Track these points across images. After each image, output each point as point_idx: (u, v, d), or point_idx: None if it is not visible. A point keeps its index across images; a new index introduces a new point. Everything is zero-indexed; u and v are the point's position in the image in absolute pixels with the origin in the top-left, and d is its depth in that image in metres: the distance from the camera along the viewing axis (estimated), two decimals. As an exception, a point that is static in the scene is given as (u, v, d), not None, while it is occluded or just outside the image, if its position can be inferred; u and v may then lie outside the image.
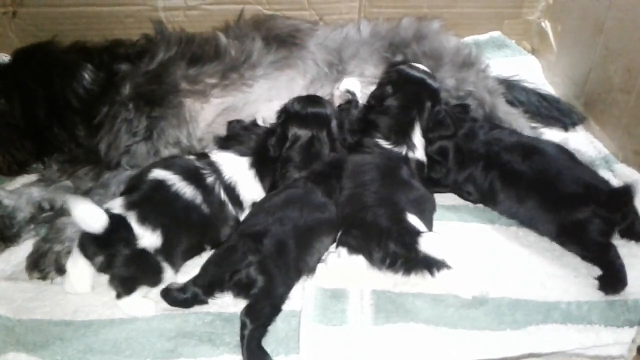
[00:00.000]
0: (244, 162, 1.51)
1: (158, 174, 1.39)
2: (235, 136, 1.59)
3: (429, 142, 1.61)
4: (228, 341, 1.25)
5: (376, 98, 1.63)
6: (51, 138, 1.71)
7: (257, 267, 1.25)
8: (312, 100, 1.61)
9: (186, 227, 1.36)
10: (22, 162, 1.74)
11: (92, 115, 1.67)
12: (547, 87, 2.14)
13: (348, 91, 1.73)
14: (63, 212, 1.53)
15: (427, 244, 1.26)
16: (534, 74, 2.22)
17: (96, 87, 1.70)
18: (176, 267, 1.35)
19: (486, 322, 1.26)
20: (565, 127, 1.93)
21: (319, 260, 1.39)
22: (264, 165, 1.53)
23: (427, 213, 1.43)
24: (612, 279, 1.33)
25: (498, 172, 1.53)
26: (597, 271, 1.37)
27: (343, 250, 1.32)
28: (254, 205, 1.50)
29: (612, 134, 1.82)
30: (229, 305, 1.33)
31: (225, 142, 1.58)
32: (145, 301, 1.31)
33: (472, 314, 1.28)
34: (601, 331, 1.24)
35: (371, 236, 1.31)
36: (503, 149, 1.55)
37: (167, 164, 1.44)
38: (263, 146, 1.54)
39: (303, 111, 1.55)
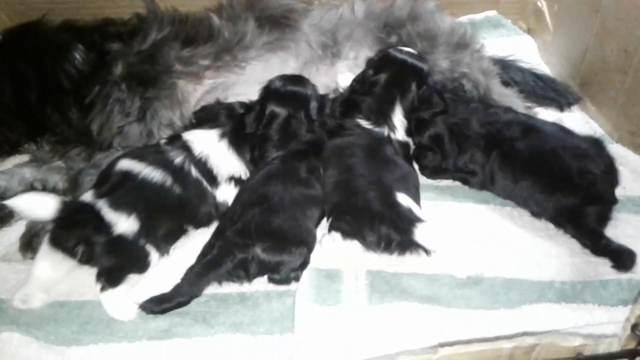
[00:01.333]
0: (213, 134, 1.49)
1: (124, 164, 1.38)
2: (212, 115, 1.57)
3: (420, 129, 1.60)
4: (223, 321, 1.25)
5: (359, 81, 1.62)
6: (43, 119, 1.69)
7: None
8: (293, 79, 1.60)
9: (162, 210, 1.36)
10: (14, 142, 1.72)
11: (84, 96, 1.65)
12: (542, 67, 2.13)
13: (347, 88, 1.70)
14: (56, 192, 1.53)
15: (422, 235, 1.26)
16: (530, 53, 2.20)
17: (88, 67, 1.67)
18: (161, 250, 1.35)
19: (481, 301, 1.26)
20: (561, 107, 1.93)
21: (314, 228, 1.39)
22: (239, 138, 1.51)
23: (412, 189, 1.42)
24: (618, 259, 1.33)
25: (498, 151, 1.52)
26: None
27: (337, 235, 1.31)
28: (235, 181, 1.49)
29: (608, 114, 1.82)
30: (223, 285, 1.32)
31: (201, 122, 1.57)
32: (128, 303, 1.27)
33: (467, 293, 1.28)
34: (595, 310, 1.25)
35: (364, 221, 1.30)
36: (503, 127, 1.54)
37: (133, 154, 1.43)
38: (239, 120, 1.52)
39: (282, 89, 1.55)
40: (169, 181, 1.37)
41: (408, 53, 1.63)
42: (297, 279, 1.31)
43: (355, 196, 1.34)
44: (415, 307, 1.24)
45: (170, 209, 1.37)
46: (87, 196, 1.33)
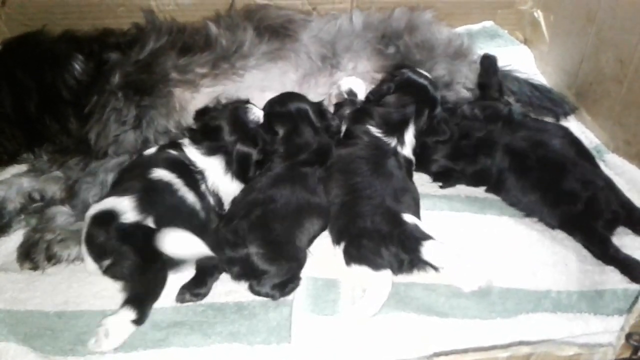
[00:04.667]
0: (219, 167, 1.48)
1: (161, 174, 1.38)
2: (214, 131, 1.52)
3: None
4: (220, 330, 1.25)
5: (375, 94, 1.64)
6: (42, 129, 1.69)
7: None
8: (289, 96, 1.62)
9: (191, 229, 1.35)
10: (13, 152, 1.72)
11: (83, 106, 1.65)
12: (539, 77, 2.14)
13: (350, 91, 1.70)
14: (53, 201, 1.53)
15: (430, 253, 1.26)
16: (527, 64, 2.21)
17: (86, 77, 1.68)
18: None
19: (477, 310, 1.27)
20: (557, 117, 1.93)
21: (311, 241, 1.40)
22: (243, 170, 1.51)
23: (413, 204, 1.43)
24: (627, 270, 1.34)
25: (511, 163, 1.56)
26: (589, 260, 1.39)
27: (365, 269, 1.29)
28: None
29: (604, 124, 1.82)
30: (220, 295, 1.33)
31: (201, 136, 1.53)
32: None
33: (463, 303, 1.28)
34: (591, 319, 1.25)
35: (374, 245, 1.30)
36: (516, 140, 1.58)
37: (165, 162, 1.42)
38: (242, 155, 1.51)
39: (282, 109, 1.56)
40: (198, 205, 1.40)
41: (428, 79, 1.66)
42: (274, 297, 1.31)
43: (362, 220, 1.34)
44: (412, 317, 1.24)
45: (195, 230, 1.34)
46: (128, 207, 1.30)
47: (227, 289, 1.34)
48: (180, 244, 1.25)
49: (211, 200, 1.45)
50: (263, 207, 1.34)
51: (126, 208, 1.30)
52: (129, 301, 1.23)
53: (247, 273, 1.31)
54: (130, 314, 1.22)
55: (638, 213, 1.45)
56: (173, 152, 1.47)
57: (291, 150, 1.51)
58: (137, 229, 1.28)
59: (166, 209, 1.34)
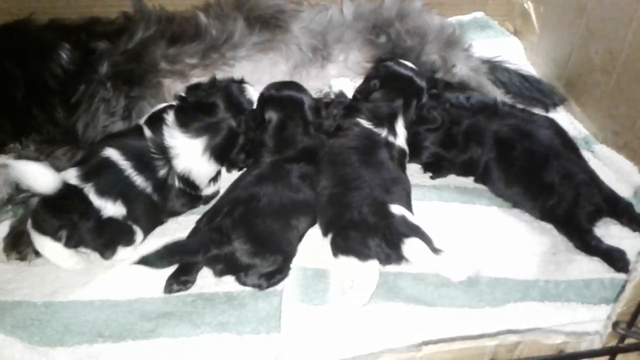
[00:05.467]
0: (198, 146, 1.46)
1: (111, 153, 1.39)
2: (209, 107, 1.50)
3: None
4: (209, 321, 1.25)
5: (362, 92, 1.63)
6: (29, 119, 1.68)
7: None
8: (288, 84, 1.61)
9: (141, 207, 1.40)
10: (-1, 142, 1.71)
11: (70, 96, 1.64)
12: (529, 68, 2.15)
13: (341, 93, 1.70)
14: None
15: (410, 251, 1.25)
16: (517, 55, 2.22)
17: (73, 66, 1.67)
18: (145, 231, 1.42)
19: (465, 300, 1.27)
20: (547, 108, 1.94)
21: (301, 237, 1.40)
22: (224, 151, 1.50)
23: (404, 195, 1.43)
24: (611, 261, 1.34)
25: (497, 153, 1.57)
26: (576, 250, 1.40)
27: (353, 260, 1.28)
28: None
29: (593, 115, 1.83)
30: (210, 285, 1.33)
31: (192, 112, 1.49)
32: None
33: (452, 293, 1.29)
34: (578, 308, 1.26)
35: (361, 236, 1.29)
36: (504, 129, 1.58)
37: (119, 144, 1.42)
38: (229, 132, 1.49)
39: (277, 94, 1.55)
40: (149, 189, 1.41)
41: (412, 70, 1.65)
42: (261, 286, 1.32)
43: (350, 211, 1.34)
44: (400, 306, 1.25)
45: (148, 209, 1.42)
46: (71, 177, 1.33)
47: (216, 279, 1.34)
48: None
49: (176, 184, 1.45)
50: (245, 206, 1.34)
51: (70, 176, 1.33)
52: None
53: (231, 269, 1.31)
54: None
55: (623, 204, 1.46)
56: (133, 141, 1.45)
57: (280, 144, 1.50)
58: (72, 190, 1.31)
59: (107, 182, 1.35)
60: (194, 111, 1.48)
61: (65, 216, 1.29)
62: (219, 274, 1.32)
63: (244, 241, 1.28)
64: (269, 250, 1.31)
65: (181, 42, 1.71)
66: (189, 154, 1.45)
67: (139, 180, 1.39)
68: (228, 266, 1.30)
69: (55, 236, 1.29)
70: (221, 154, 1.50)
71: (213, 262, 1.30)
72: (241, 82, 1.59)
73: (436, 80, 1.78)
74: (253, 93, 1.56)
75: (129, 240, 1.38)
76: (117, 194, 1.35)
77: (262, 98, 1.56)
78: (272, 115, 1.53)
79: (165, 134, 1.45)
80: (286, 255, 1.35)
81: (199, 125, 1.46)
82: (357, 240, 1.29)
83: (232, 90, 1.54)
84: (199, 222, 1.40)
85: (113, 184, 1.36)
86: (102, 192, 1.33)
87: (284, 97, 1.55)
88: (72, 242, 1.31)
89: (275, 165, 1.46)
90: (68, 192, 1.29)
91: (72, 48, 1.68)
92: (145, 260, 1.24)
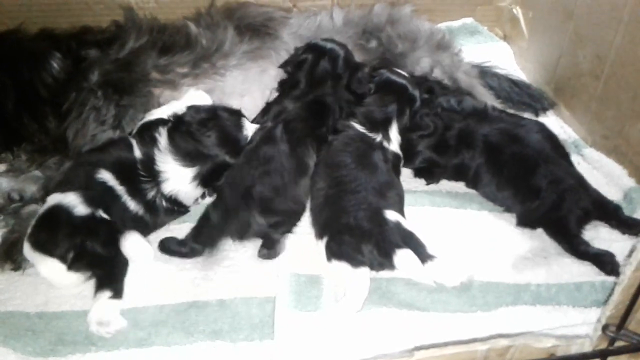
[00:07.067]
0: (188, 175, 1.47)
1: (106, 177, 1.41)
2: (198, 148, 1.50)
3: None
4: (202, 329, 1.25)
5: (356, 95, 1.66)
6: (20, 128, 1.68)
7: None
8: (331, 40, 1.75)
9: (134, 228, 1.42)
10: (-10, 152, 1.70)
11: (61, 104, 1.64)
12: (518, 73, 2.16)
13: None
14: (32, 201, 1.52)
15: (401, 263, 1.26)
16: (506, 60, 2.24)
17: (64, 75, 1.67)
18: None
19: (458, 304, 1.28)
20: (536, 113, 1.95)
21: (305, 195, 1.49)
22: (212, 178, 1.51)
23: (397, 199, 1.44)
24: (600, 265, 1.35)
25: (487, 157, 1.58)
26: (567, 254, 1.40)
27: (345, 266, 1.29)
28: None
29: (582, 119, 1.85)
30: (202, 293, 1.33)
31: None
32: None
33: (445, 297, 1.29)
34: (569, 312, 1.27)
35: (355, 242, 1.30)
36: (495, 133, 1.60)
37: (112, 166, 1.43)
38: (217, 164, 1.50)
39: (322, 43, 1.71)
40: (141, 212, 1.44)
41: (406, 77, 1.67)
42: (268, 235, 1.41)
43: (346, 215, 1.34)
44: (393, 312, 1.25)
45: (142, 230, 1.44)
46: (77, 201, 1.34)
47: (208, 286, 1.34)
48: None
49: (164, 204, 1.47)
50: (262, 167, 1.43)
51: (74, 202, 1.33)
52: (101, 284, 1.29)
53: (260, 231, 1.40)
54: (106, 293, 1.27)
55: (611, 208, 1.47)
56: (124, 160, 1.46)
57: (310, 82, 1.64)
58: (96, 220, 1.34)
59: (110, 206, 1.39)
60: (188, 137, 1.48)
61: (76, 239, 1.31)
62: (253, 235, 1.41)
63: (261, 205, 1.37)
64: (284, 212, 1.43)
65: (172, 52, 1.71)
66: (178, 180, 1.46)
67: (132, 205, 1.42)
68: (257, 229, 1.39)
69: (62, 258, 1.30)
70: (209, 182, 1.51)
71: (246, 225, 1.38)
72: (239, 114, 1.57)
73: (430, 82, 1.79)
74: (250, 128, 1.55)
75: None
76: (119, 220, 1.39)
77: (307, 45, 1.71)
78: (310, 56, 1.67)
79: (157, 158, 1.45)
80: (299, 208, 1.47)
81: (192, 154, 1.47)
82: (352, 245, 1.29)
83: (229, 128, 1.52)
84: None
85: (116, 211, 1.40)
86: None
87: (327, 47, 1.69)
88: (78, 265, 1.32)
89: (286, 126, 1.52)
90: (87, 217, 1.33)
91: (63, 57, 1.69)
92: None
